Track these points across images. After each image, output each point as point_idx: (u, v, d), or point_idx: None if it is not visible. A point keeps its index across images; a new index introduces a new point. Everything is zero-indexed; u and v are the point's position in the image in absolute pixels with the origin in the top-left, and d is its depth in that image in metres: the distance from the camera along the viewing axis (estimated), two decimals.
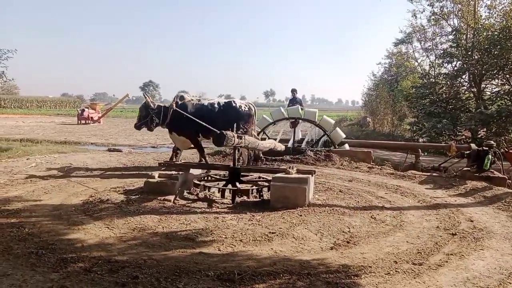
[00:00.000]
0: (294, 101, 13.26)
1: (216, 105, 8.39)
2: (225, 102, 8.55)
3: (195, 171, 6.59)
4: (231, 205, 5.65)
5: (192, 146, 8.59)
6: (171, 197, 5.71)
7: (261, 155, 9.04)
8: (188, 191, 6.26)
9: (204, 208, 5.49)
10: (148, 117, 8.05)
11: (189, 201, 5.82)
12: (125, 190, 6.22)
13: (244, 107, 8.53)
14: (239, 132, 7.99)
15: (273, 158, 9.80)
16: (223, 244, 4.04)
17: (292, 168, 5.95)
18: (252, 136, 8.09)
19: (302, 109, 12.73)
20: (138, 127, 8.27)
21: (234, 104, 8.49)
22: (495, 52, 14.24)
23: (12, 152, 10.43)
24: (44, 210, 5.10)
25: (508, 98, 14.35)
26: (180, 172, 6.19)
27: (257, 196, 6.03)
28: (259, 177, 6.65)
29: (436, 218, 5.15)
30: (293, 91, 13.44)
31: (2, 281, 3.10)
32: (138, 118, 8.28)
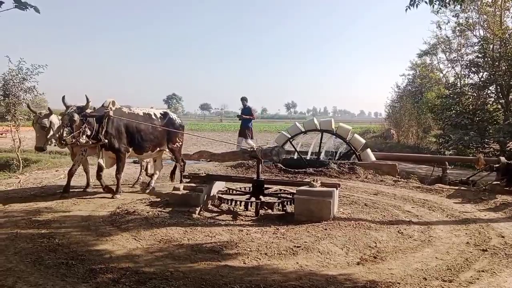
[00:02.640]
0: (245, 110, 12.74)
1: (153, 116, 7.42)
2: (161, 113, 7.65)
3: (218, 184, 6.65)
4: (255, 218, 5.65)
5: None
6: (196, 209, 5.76)
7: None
8: (212, 203, 6.31)
9: (228, 220, 5.51)
10: (82, 127, 6.20)
11: (214, 214, 5.86)
12: (151, 202, 6.31)
13: (178, 119, 7.92)
14: (178, 145, 7.86)
15: (296, 170, 9.77)
16: (248, 257, 4.04)
17: (316, 181, 5.92)
18: (180, 149, 7.94)
19: (250, 119, 12.51)
20: (61, 140, 6.15)
21: (170, 116, 7.74)
22: None
23: (42, 164, 10.75)
24: (73, 221, 5.22)
25: None
26: (205, 185, 6.24)
27: (281, 209, 6.02)
28: (282, 190, 6.64)
29: (466, 233, 5.02)
30: (243, 99, 12.77)
31: None
32: (67, 128, 6.11)
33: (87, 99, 6.29)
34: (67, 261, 3.76)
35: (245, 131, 12.40)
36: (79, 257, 3.90)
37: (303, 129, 11.15)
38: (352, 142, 10.72)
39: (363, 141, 11.03)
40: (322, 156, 11.27)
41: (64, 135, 6.10)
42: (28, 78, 10.52)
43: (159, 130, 7.31)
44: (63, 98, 6.40)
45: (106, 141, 6.53)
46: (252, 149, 6.25)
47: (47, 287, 3.24)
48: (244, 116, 12.51)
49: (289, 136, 11.10)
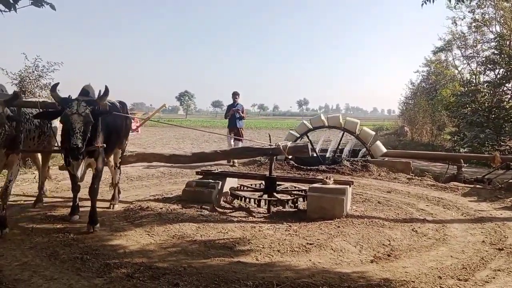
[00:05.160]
0: (233, 106, 11.00)
1: (118, 106, 5.73)
2: (120, 102, 5.97)
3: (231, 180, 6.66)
4: (267, 215, 5.65)
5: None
6: (209, 206, 5.78)
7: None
8: (225, 199, 6.32)
9: (240, 217, 5.51)
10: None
11: (226, 210, 5.87)
12: (164, 198, 6.35)
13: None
14: (127, 143, 6.54)
15: (309, 167, 9.72)
16: (260, 253, 4.05)
17: (329, 178, 5.89)
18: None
19: (243, 118, 11.09)
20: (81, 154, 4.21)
21: (126, 106, 6.27)
22: None
23: (58, 160, 10.86)
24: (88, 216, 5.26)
25: None
26: (217, 181, 6.25)
27: (293, 206, 6.01)
28: (295, 187, 6.62)
29: (481, 232, 4.95)
30: (234, 95, 11.10)
31: (50, 285, 3.24)
32: (81, 132, 4.18)
33: (107, 90, 4.55)
34: (82, 255, 3.80)
35: (240, 132, 10.93)
36: (93, 251, 3.94)
37: (297, 135, 11.13)
38: (347, 127, 10.73)
39: (357, 121, 11.06)
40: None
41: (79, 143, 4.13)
42: (44, 75, 10.67)
43: (126, 121, 5.99)
44: (55, 87, 4.53)
45: (105, 145, 4.89)
46: (276, 146, 6.20)
47: (63, 281, 3.28)
48: (240, 113, 10.94)
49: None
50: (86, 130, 4.26)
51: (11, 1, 4.09)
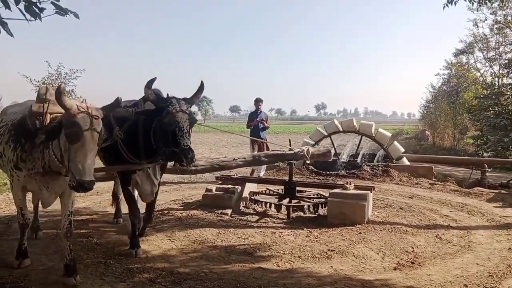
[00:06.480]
0: (255, 114, 9.58)
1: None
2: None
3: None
4: (286, 220, 5.62)
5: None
6: (228, 211, 5.79)
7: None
8: (244, 205, 6.31)
9: (260, 222, 5.50)
10: None
11: (246, 215, 5.87)
12: (184, 203, 6.39)
13: None
14: None
15: (327, 172, 9.65)
16: (281, 260, 4.03)
17: (349, 184, 5.83)
18: None
19: (267, 128, 9.64)
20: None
21: None
22: None
23: None
24: (110, 221, 5.34)
25: None
26: (237, 186, 6.26)
27: (313, 211, 5.96)
28: (315, 193, 6.58)
29: (508, 238, 4.81)
30: (258, 102, 9.60)
31: None
32: (189, 132, 3.79)
33: (203, 85, 3.98)
34: (105, 260, 3.86)
35: (263, 142, 9.13)
36: (116, 256, 3.99)
37: (325, 133, 11.12)
38: (378, 138, 10.63)
39: (389, 134, 11.00)
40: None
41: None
42: (67, 82, 10.90)
43: None
44: (151, 83, 3.73)
45: None
46: (299, 151, 6.17)
47: (86, 286, 3.33)
48: (264, 123, 9.48)
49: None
50: (191, 130, 3.76)
51: (37, 11, 4.19)
